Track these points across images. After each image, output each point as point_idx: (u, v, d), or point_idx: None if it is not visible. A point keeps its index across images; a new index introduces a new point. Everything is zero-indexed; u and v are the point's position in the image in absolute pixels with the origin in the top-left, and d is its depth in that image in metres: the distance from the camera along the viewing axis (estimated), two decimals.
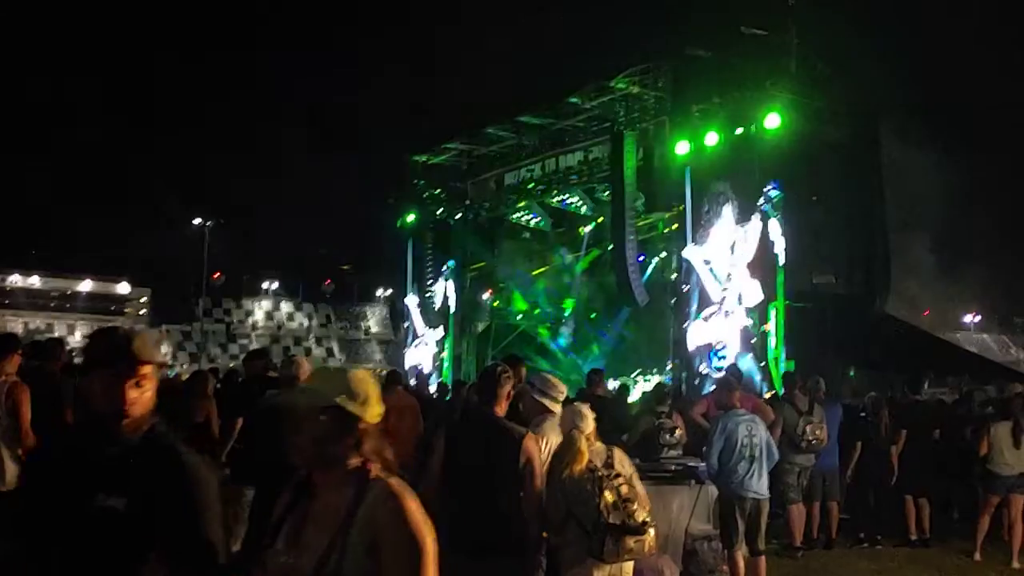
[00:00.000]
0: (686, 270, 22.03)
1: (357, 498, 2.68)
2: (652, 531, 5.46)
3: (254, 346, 56.22)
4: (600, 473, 5.46)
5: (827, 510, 11.32)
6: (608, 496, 5.37)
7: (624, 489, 5.44)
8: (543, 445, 5.66)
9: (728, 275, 20.63)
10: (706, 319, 21.18)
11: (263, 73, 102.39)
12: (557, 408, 6.02)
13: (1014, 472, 10.52)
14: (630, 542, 5.34)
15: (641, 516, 5.39)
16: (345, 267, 61.94)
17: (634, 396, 18.80)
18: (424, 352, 31.84)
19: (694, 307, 21.64)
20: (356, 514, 2.66)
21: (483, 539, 5.19)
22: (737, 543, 8.35)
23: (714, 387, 9.92)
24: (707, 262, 21.24)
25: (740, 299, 20.21)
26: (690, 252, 21.65)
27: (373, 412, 2.85)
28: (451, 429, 5.83)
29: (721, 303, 20.72)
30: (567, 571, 5.55)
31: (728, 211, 20.93)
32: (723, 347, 20.34)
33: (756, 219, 20.03)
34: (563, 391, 6.22)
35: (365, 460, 2.77)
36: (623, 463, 5.72)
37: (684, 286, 22.10)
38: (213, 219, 47.65)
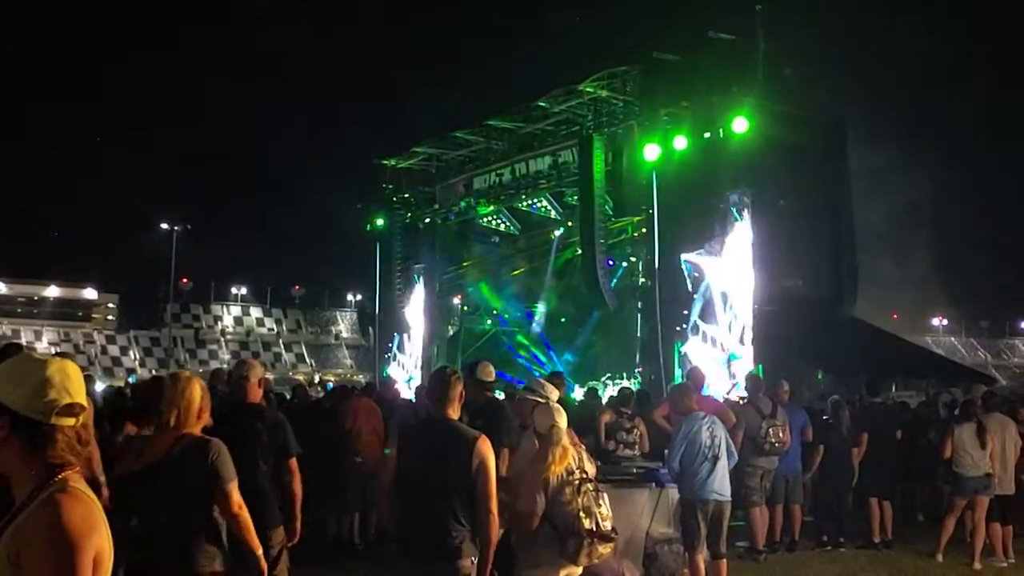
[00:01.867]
0: (696, 279, 21.57)
1: (25, 502, 2.35)
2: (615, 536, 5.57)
3: (223, 352, 56.04)
4: (576, 476, 5.52)
5: (790, 513, 11.31)
6: (583, 500, 5.43)
7: (594, 494, 5.50)
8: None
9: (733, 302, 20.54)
10: (704, 338, 20.99)
11: (230, 76, 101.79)
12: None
13: (980, 473, 10.54)
14: (601, 548, 5.42)
15: (609, 523, 5.47)
16: (314, 272, 61.76)
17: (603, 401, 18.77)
18: (395, 357, 31.78)
19: (695, 316, 21.34)
20: (13, 520, 2.33)
21: (436, 541, 5.14)
22: (698, 546, 8.31)
23: (672, 390, 9.88)
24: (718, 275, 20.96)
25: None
26: (704, 262, 21.26)
27: (33, 404, 2.41)
28: (404, 433, 5.79)
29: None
30: (530, 570, 5.53)
31: (746, 220, 20.60)
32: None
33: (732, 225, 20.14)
34: (553, 391, 6.38)
35: (58, 462, 2.41)
36: (591, 466, 5.79)
37: (693, 294, 21.63)
38: (181, 224, 47.36)
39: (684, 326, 21.50)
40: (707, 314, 21.10)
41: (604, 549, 5.45)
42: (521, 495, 5.48)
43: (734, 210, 20.49)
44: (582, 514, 5.36)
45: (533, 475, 5.49)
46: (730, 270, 20.60)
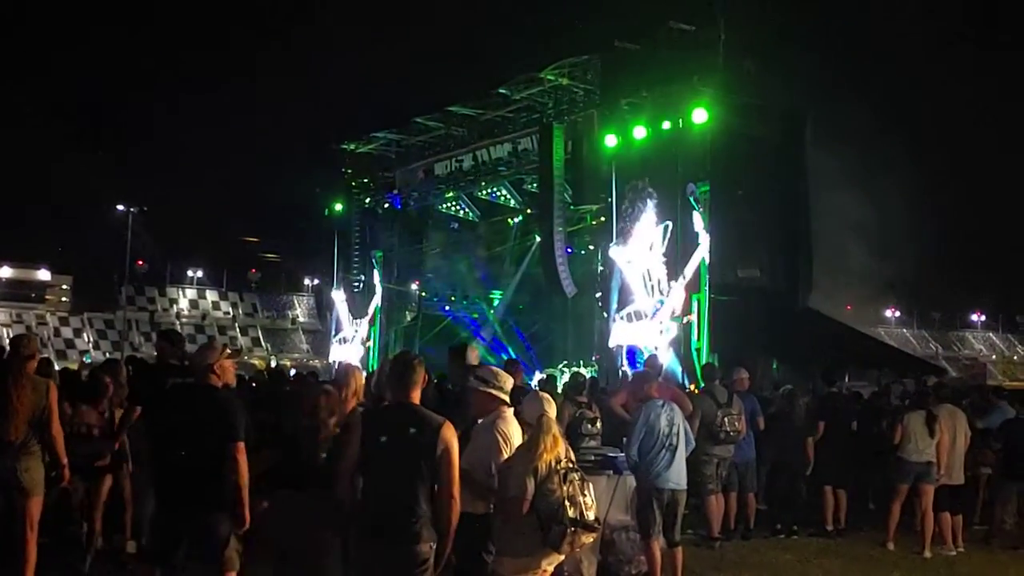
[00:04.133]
0: (609, 266, 22.24)
1: None
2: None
3: None
4: (563, 465, 5.51)
5: (744, 501, 11.42)
6: (568, 489, 5.41)
7: (580, 484, 5.49)
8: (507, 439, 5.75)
9: (659, 284, 20.94)
10: (629, 319, 21.43)
11: (189, 58, 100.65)
12: (505, 397, 5.96)
13: (922, 459, 10.70)
14: (583, 537, 5.43)
15: (593, 513, 5.47)
16: (271, 255, 61.23)
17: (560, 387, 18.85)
18: (351, 342, 31.67)
19: (614, 305, 21.88)
20: None
21: (396, 524, 5.19)
22: (654, 534, 8.38)
23: (632, 378, 9.94)
24: (629, 262, 21.46)
25: (672, 313, 20.57)
26: (615, 252, 21.86)
27: None
28: (368, 418, 5.77)
29: (654, 315, 20.92)
30: (512, 557, 5.55)
31: (650, 207, 21.19)
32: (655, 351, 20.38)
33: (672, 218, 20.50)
34: (509, 380, 6.14)
35: None
36: (573, 456, 5.79)
37: (608, 283, 22.32)
38: (136, 206, 46.68)
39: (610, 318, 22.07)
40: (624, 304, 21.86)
41: (586, 539, 5.48)
42: (511, 481, 5.48)
43: (692, 199, 20.71)
44: (567, 503, 5.36)
45: (525, 461, 5.48)
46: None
